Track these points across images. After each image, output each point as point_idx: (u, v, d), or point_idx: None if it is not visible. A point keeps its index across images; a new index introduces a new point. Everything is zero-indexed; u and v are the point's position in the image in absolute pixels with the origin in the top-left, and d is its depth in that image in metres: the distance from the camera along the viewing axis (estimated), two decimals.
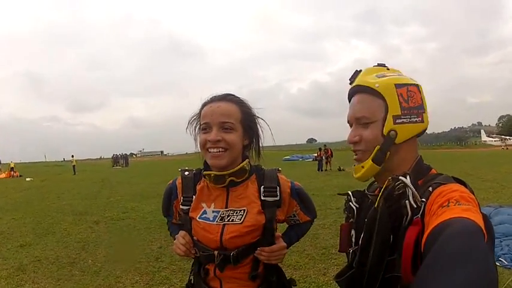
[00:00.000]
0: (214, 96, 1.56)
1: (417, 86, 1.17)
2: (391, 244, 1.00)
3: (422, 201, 0.96)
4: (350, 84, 1.24)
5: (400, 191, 1.01)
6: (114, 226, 8.59)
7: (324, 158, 26.28)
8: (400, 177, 1.02)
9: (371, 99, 1.15)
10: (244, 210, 1.53)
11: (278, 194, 1.56)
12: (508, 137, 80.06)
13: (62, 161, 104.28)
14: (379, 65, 1.24)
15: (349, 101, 1.25)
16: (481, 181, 13.99)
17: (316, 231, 6.94)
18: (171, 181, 1.73)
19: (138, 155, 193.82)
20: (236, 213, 1.53)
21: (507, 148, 59.04)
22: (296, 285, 1.76)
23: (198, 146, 1.58)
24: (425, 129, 1.17)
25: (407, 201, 0.98)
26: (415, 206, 0.97)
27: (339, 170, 24.34)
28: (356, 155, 1.20)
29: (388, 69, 1.22)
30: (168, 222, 1.88)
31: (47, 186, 21.43)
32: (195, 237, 1.58)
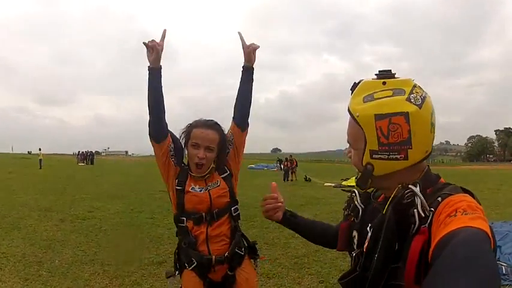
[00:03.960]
0: (205, 122, 2.28)
1: (406, 114, 1.02)
2: (396, 252, 0.99)
3: (431, 210, 0.95)
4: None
5: (409, 200, 0.99)
6: (80, 225, 8.36)
7: (290, 168, 26.04)
8: (410, 186, 1.01)
9: (355, 126, 1.10)
10: (218, 181, 2.31)
11: (227, 169, 2.37)
12: None
13: (27, 154, 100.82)
14: (380, 73, 1.12)
15: None
16: None
17: (286, 240, 7.02)
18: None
19: (103, 154, 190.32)
20: (213, 184, 2.29)
21: None
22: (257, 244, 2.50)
23: (186, 153, 2.31)
24: (417, 162, 1.07)
25: (415, 210, 0.97)
26: (423, 216, 0.95)
27: (305, 179, 24.32)
28: None
29: (384, 83, 1.09)
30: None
31: (14, 178, 20.75)
32: (186, 208, 2.24)
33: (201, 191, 2.26)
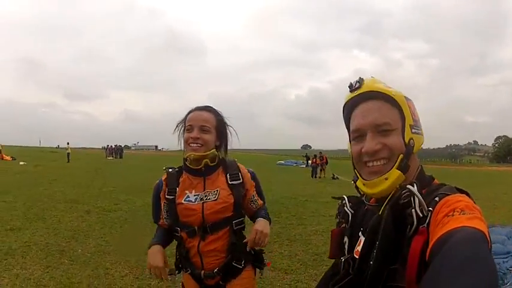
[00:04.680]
0: (198, 107, 2.11)
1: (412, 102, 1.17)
2: (393, 253, 0.97)
3: (429, 210, 0.95)
4: (352, 91, 1.15)
5: (406, 200, 0.99)
6: (105, 217, 8.54)
7: (319, 165, 26.07)
8: (408, 186, 1.00)
9: (388, 106, 1.11)
10: (217, 190, 2.05)
11: (240, 177, 2.11)
12: None
13: (56, 148, 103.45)
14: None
15: (351, 109, 1.18)
16: (475, 199, 13.98)
17: (308, 236, 6.97)
18: (157, 181, 2.18)
19: (132, 148, 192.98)
20: (211, 193, 2.04)
21: None
22: (264, 252, 2.24)
23: (183, 143, 2.09)
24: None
25: (413, 210, 0.96)
26: (421, 215, 0.95)
27: (333, 178, 24.11)
28: (372, 166, 1.10)
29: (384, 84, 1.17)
30: (157, 229, 2.22)
31: (40, 171, 21.43)
32: (180, 219, 2.06)
33: (195, 200, 2.05)
